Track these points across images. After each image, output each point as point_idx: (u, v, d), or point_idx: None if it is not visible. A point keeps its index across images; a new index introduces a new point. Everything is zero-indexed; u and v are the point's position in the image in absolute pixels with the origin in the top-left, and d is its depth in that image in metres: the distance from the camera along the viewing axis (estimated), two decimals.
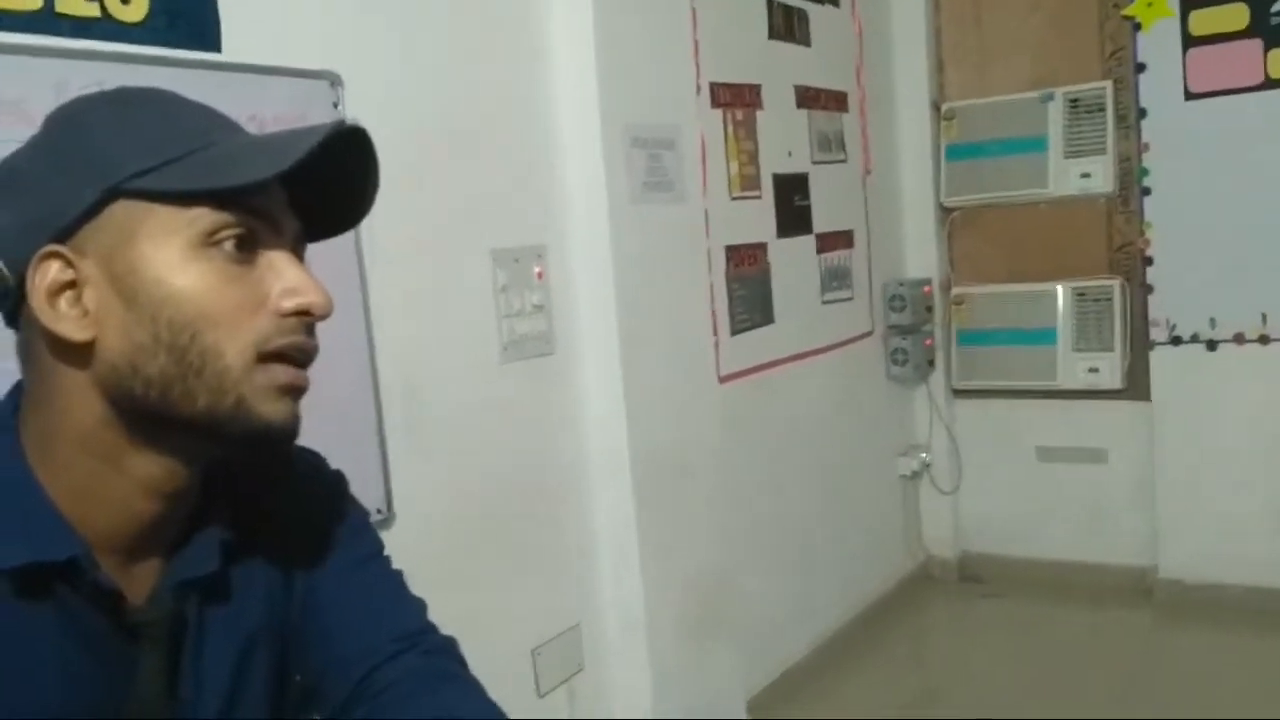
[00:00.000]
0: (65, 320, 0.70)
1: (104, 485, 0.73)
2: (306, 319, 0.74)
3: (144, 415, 0.71)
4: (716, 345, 3.10)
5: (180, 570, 0.78)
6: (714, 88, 3.08)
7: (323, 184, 0.74)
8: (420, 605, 1.01)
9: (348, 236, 2.11)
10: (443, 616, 2.44)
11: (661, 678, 2.81)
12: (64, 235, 0.69)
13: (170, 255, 0.69)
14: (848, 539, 3.80)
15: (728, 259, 3.16)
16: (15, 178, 0.72)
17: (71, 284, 0.70)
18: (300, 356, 0.76)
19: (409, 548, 2.25)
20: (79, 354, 0.71)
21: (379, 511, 2.19)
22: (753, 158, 3.27)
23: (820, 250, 3.65)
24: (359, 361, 2.16)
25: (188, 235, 0.69)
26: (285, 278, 0.73)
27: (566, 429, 2.72)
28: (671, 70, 2.92)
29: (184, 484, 0.77)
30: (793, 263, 3.48)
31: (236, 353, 0.71)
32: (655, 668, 2.80)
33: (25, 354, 0.74)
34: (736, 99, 3.18)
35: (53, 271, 0.69)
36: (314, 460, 0.97)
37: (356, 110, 2.14)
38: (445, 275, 2.38)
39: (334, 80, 2.10)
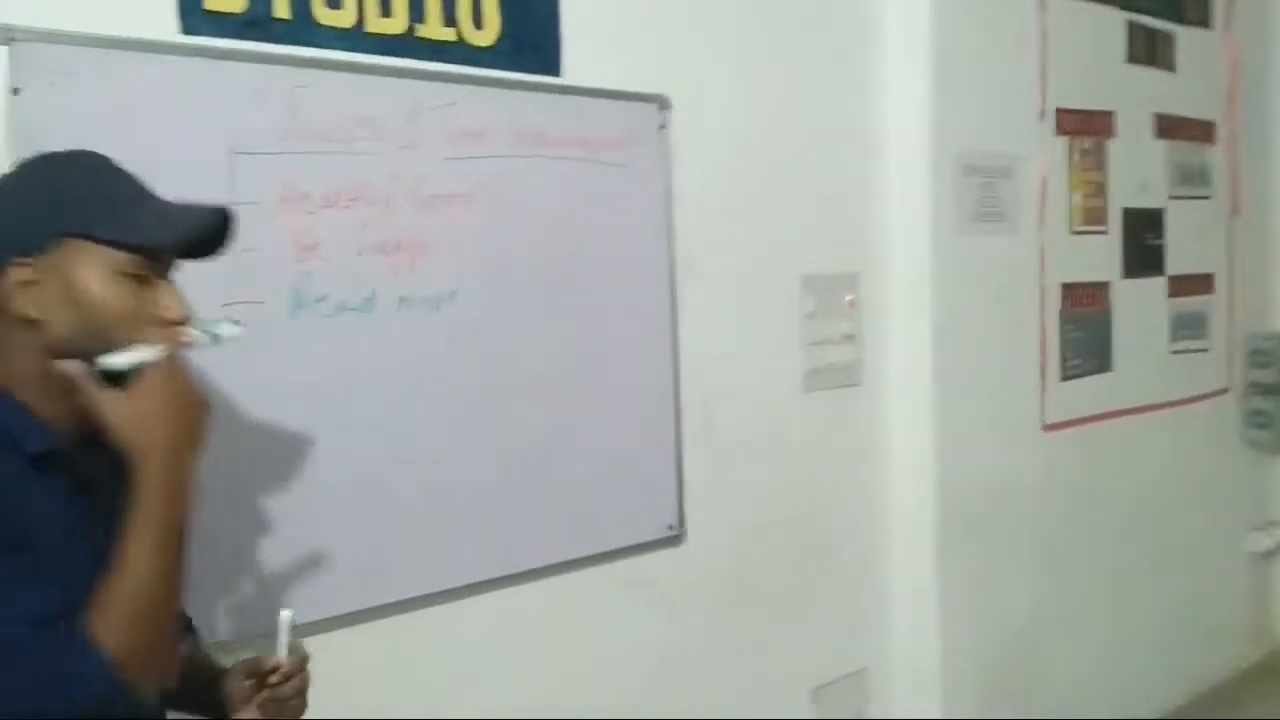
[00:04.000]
0: (24, 306, 1.04)
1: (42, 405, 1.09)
2: (172, 323, 1.09)
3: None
4: (1043, 390, 2.88)
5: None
6: (1060, 114, 2.86)
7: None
8: None
9: (663, 253, 2.16)
10: (725, 640, 2.42)
11: None
12: (29, 254, 1.04)
13: (95, 277, 1.05)
14: (1181, 617, 3.39)
15: (1063, 297, 2.92)
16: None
17: (33, 282, 1.04)
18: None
19: (698, 566, 2.28)
20: (33, 327, 1.05)
21: (670, 528, 2.20)
22: (1100, 190, 3.01)
23: (1172, 294, 3.30)
24: (663, 378, 2.19)
25: (107, 266, 1.05)
26: (165, 299, 1.09)
27: (869, 465, 2.62)
28: (1013, 95, 2.75)
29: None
30: (1139, 306, 3.17)
31: (122, 342, 1.06)
32: None
33: None
34: (1085, 126, 2.94)
35: (20, 274, 1.04)
36: None
37: (682, 131, 2.18)
38: (754, 298, 2.37)
39: (662, 103, 2.15)
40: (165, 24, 1.58)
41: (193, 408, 1.08)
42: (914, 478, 2.64)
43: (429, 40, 1.84)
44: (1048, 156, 2.84)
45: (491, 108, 1.91)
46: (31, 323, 1.04)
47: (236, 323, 1.17)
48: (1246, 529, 3.72)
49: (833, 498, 2.56)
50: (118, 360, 1.04)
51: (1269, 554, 3.76)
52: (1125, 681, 3.17)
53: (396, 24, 1.80)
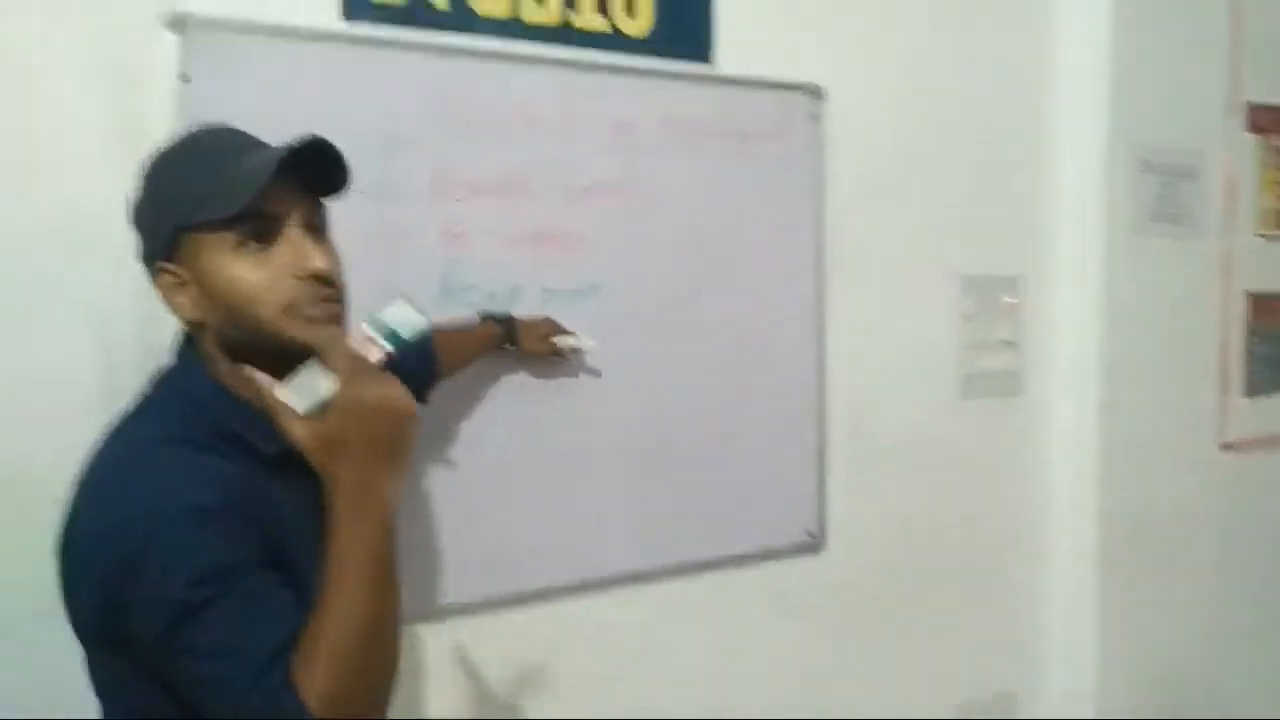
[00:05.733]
0: (182, 309, 1.04)
1: None
2: (318, 277, 1.01)
3: (246, 350, 1.03)
4: (1224, 406, 2.67)
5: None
6: (1252, 109, 2.65)
7: (317, 160, 1.03)
8: None
9: (812, 248, 2.09)
10: (867, 654, 2.33)
11: None
12: (166, 257, 1.03)
13: (219, 261, 1.00)
14: None
15: (1249, 308, 2.71)
16: (138, 218, 1.06)
17: (183, 284, 1.03)
18: (323, 311, 1.03)
19: (838, 575, 2.20)
20: (199, 328, 1.05)
21: (810, 535, 2.13)
22: None
23: None
24: (808, 378, 2.12)
25: (223, 246, 1.00)
26: (297, 253, 1.01)
27: (1027, 479, 2.48)
28: (1199, 86, 2.56)
29: None
30: None
31: (271, 315, 1.00)
32: None
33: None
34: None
35: (167, 280, 1.04)
36: None
37: (835, 122, 2.11)
38: (907, 299, 2.27)
39: (816, 93, 2.08)
40: (328, 13, 1.62)
41: (385, 420, 0.95)
42: (1076, 495, 2.49)
43: (583, 30, 1.83)
44: (1236, 154, 2.63)
45: (643, 97, 1.89)
46: (200, 325, 1.03)
47: (412, 306, 1.02)
48: None
49: (987, 512, 2.43)
50: (302, 403, 0.96)
51: None
52: None
53: (551, 14, 1.80)
